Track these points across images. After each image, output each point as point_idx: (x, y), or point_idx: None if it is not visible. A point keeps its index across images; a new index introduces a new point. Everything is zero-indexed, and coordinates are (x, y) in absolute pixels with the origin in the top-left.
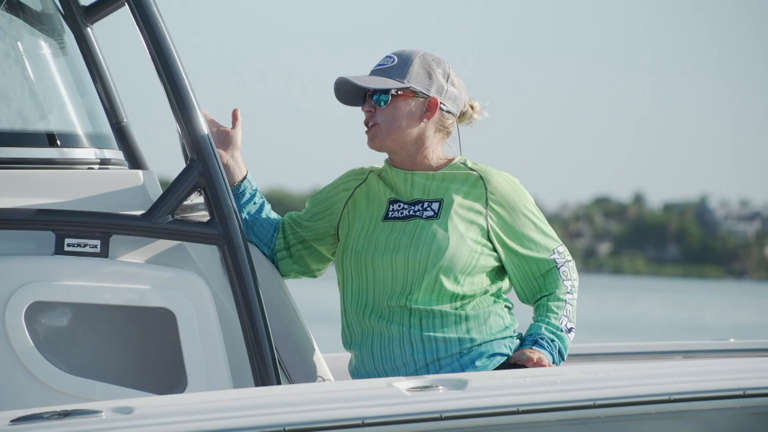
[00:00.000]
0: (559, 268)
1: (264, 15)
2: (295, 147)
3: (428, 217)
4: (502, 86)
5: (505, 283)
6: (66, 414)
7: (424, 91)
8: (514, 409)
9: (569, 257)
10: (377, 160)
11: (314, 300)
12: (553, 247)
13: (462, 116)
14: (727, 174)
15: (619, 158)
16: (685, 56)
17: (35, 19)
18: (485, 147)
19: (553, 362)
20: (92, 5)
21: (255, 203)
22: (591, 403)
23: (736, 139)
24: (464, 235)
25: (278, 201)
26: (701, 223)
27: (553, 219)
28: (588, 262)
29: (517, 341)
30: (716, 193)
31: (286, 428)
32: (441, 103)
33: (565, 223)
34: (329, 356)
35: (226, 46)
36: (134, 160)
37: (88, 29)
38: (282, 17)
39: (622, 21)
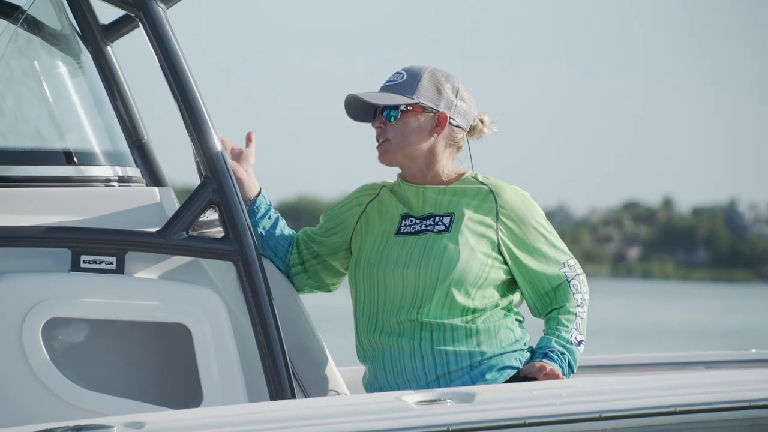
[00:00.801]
0: (569, 282)
1: (295, 20)
2: (325, 153)
3: (439, 231)
4: (527, 94)
5: (516, 297)
6: (78, 429)
7: (434, 107)
8: (522, 421)
9: (580, 270)
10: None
11: (335, 307)
12: (564, 260)
13: (472, 130)
14: (756, 177)
15: (648, 163)
16: (714, 60)
17: (52, 38)
18: (512, 155)
19: (563, 374)
20: (112, 24)
21: (269, 219)
22: (597, 415)
23: (765, 142)
24: (475, 249)
25: (308, 208)
26: (730, 227)
27: (582, 224)
28: (617, 266)
29: (528, 354)
30: (745, 197)
31: None
32: (450, 117)
33: (594, 228)
34: (346, 369)
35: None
36: (154, 177)
37: (108, 47)
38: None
39: (647, 23)
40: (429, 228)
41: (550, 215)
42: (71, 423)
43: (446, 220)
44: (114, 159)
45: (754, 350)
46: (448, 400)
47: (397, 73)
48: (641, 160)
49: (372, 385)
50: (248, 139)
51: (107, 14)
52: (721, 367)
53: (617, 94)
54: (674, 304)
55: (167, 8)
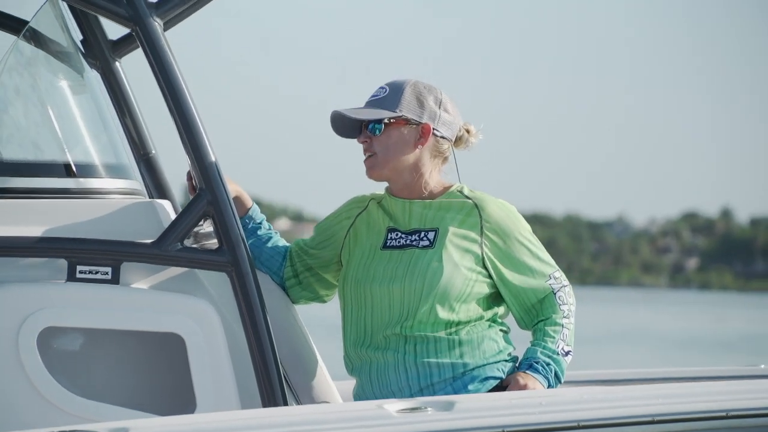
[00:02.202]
0: (555, 294)
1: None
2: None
3: (424, 247)
4: (589, 103)
5: (500, 309)
6: None
7: (416, 118)
8: (500, 430)
9: (566, 282)
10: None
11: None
12: (549, 272)
13: (458, 141)
14: None
15: (707, 173)
16: None
17: (56, 53)
18: (573, 167)
19: (549, 385)
20: (120, 39)
21: (262, 234)
22: (575, 424)
23: None
24: (459, 264)
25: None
26: None
27: (641, 235)
28: (675, 277)
29: (511, 365)
30: None
31: None
32: (434, 128)
33: (652, 239)
34: (342, 383)
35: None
36: (161, 191)
37: (117, 63)
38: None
39: (708, 24)
40: (414, 243)
41: (609, 226)
42: (56, 429)
43: (431, 235)
44: (114, 172)
45: (762, 366)
46: (429, 409)
47: (381, 88)
48: (700, 171)
49: (359, 396)
50: None
51: (117, 30)
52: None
53: (678, 106)
54: (732, 314)
55: (165, 27)
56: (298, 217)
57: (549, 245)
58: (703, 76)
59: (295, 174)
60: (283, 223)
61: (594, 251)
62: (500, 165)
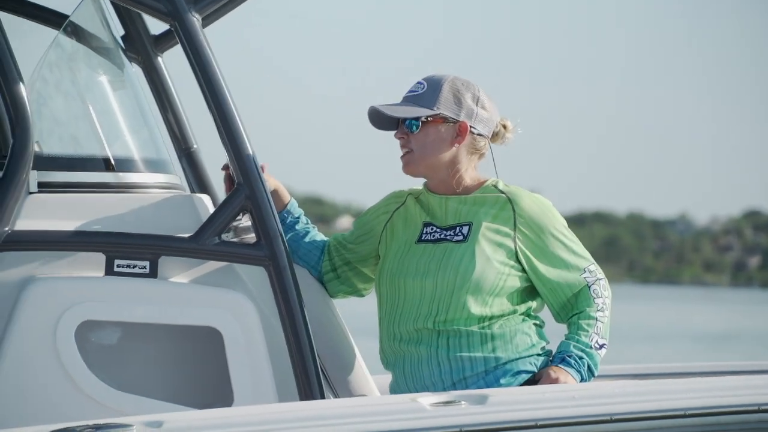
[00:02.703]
0: (590, 287)
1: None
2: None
3: (457, 241)
4: (649, 103)
5: (535, 302)
6: (98, 427)
7: (454, 117)
8: (533, 423)
9: (601, 275)
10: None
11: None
12: (584, 266)
13: (495, 136)
14: None
15: None
16: None
17: (96, 47)
18: (635, 166)
19: (582, 379)
20: (162, 35)
21: (300, 228)
22: (608, 417)
23: None
24: (491, 258)
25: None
26: None
27: (703, 233)
28: (737, 276)
29: (544, 359)
30: None
31: None
32: (471, 126)
33: (714, 237)
34: (380, 377)
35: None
36: (202, 185)
37: (159, 58)
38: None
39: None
40: (448, 238)
41: (672, 224)
42: (91, 422)
43: (465, 229)
44: (153, 166)
45: None
46: (463, 402)
47: (418, 83)
48: (763, 169)
49: (394, 390)
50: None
51: (159, 25)
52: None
53: (742, 105)
54: None
55: (204, 23)
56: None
57: (611, 243)
58: (755, 72)
59: (358, 172)
60: (346, 222)
61: (656, 249)
62: (566, 164)
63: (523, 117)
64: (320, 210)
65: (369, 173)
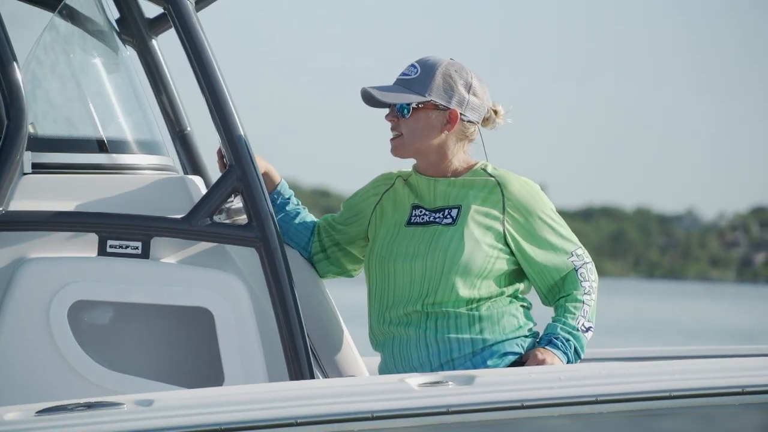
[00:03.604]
0: (577, 270)
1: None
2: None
3: (446, 224)
4: (656, 99)
5: (522, 285)
6: (89, 406)
7: (445, 104)
8: (519, 404)
9: (588, 259)
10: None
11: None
12: (572, 249)
13: (485, 121)
14: None
15: None
16: None
17: (91, 30)
18: (643, 160)
19: (568, 360)
20: (156, 18)
21: (290, 209)
22: (593, 398)
23: None
24: (480, 241)
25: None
26: None
27: (709, 228)
28: (743, 272)
29: (531, 340)
30: None
31: (298, 420)
32: (462, 114)
33: (721, 233)
34: (370, 359)
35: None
36: (196, 167)
37: (153, 41)
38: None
39: None
40: (437, 220)
41: (678, 220)
42: (82, 400)
43: (454, 212)
44: (146, 148)
45: None
46: (450, 383)
47: (412, 66)
48: None
49: (383, 371)
50: None
51: (154, 9)
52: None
53: (748, 101)
54: None
55: (198, 7)
56: None
57: (617, 238)
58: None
59: (365, 164)
60: None
61: (663, 245)
62: (574, 158)
63: (532, 111)
64: (327, 202)
65: (376, 165)
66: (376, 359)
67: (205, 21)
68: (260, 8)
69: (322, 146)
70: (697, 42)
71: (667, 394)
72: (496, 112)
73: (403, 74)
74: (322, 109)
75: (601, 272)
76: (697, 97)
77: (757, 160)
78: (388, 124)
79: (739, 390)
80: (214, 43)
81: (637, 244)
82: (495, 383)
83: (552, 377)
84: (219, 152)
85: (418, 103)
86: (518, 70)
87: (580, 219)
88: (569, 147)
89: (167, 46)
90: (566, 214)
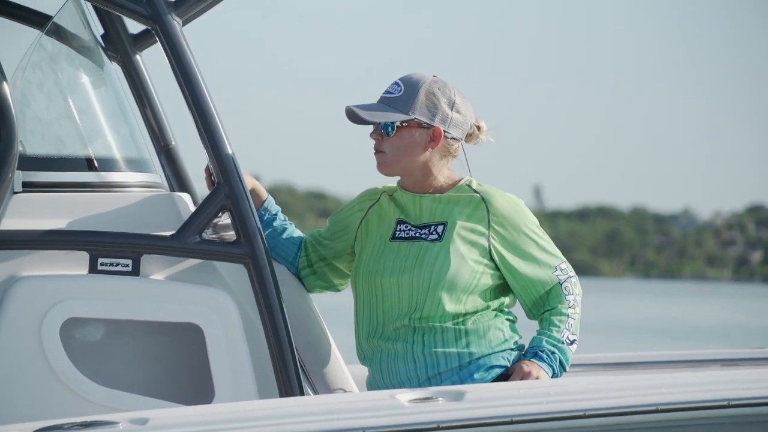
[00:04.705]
0: (561, 284)
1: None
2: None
3: (432, 240)
4: (651, 97)
5: (507, 298)
6: (85, 425)
7: (429, 122)
8: (508, 419)
9: (572, 273)
10: None
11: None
12: (555, 264)
13: (469, 137)
14: None
15: None
16: None
17: (78, 47)
18: (640, 161)
19: (554, 373)
20: (140, 33)
21: (277, 225)
22: (582, 413)
23: None
24: (465, 257)
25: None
26: None
27: (705, 228)
28: (740, 270)
29: (517, 353)
30: None
31: None
32: (445, 131)
33: (717, 232)
34: (357, 367)
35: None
36: (181, 182)
37: (137, 56)
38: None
39: None
40: (423, 236)
41: (675, 219)
42: (78, 419)
43: (439, 228)
44: (134, 165)
45: (767, 349)
46: (440, 398)
47: (395, 84)
48: (766, 165)
49: (371, 386)
50: None
51: (137, 24)
52: (737, 365)
53: (743, 99)
54: None
55: (183, 23)
56: None
57: (613, 238)
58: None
59: (361, 166)
60: None
61: (659, 244)
62: (569, 158)
63: (528, 111)
64: (323, 204)
65: (372, 169)
66: (363, 370)
67: (202, 24)
68: (257, 10)
69: (318, 149)
70: (692, 41)
71: (653, 408)
72: (479, 127)
73: (387, 92)
74: (318, 112)
75: (597, 272)
76: (692, 96)
77: (753, 158)
78: None
79: (725, 403)
80: (209, 46)
81: (634, 243)
82: (485, 399)
83: (541, 392)
84: (207, 169)
85: (402, 122)
86: (515, 70)
87: (576, 219)
88: (565, 147)
89: (150, 60)
90: (562, 215)
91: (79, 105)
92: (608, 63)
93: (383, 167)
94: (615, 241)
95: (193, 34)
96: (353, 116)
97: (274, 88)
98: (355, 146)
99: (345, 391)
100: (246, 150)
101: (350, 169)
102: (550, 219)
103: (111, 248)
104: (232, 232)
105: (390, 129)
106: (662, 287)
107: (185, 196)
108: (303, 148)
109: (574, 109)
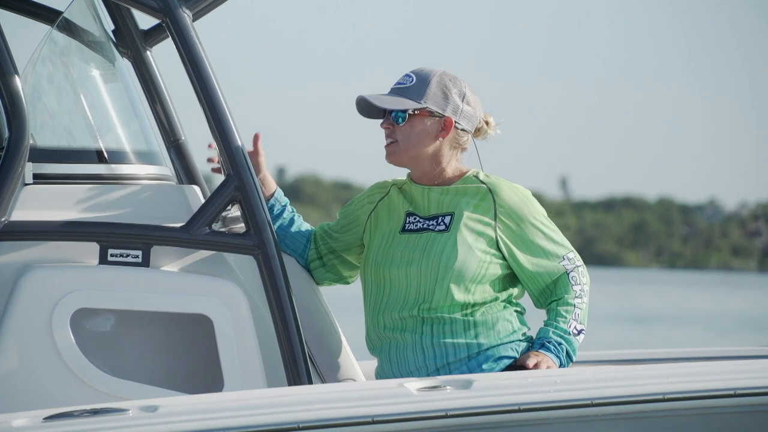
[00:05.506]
0: (568, 274)
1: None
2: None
3: (440, 231)
4: (678, 89)
5: (516, 289)
6: (95, 412)
7: (440, 111)
8: (516, 407)
9: (579, 262)
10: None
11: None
12: (563, 253)
13: (477, 132)
14: None
15: None
16: None
17: (89, 42)
18: (666, 152)
19: (561, 364)
20: (151, 29)
21: (286, 217)
22: (589, 402)
23: None
24: (473, 247)
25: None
26: None
27: (731, 218)
28: (765, 261)
29: (525, 344)
30: None
31: (300, 425)
32: (456, 122)
33: (743, 223)
34: (365, 363)
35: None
36: (190, 176)
37: (148, 52)
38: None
39: None
40: (431, 227)
41: (700, 210)
42: (88, 407)
43: (447, 219)
44: (144, 158)
45: None
46: (448, 387)
47: (407, 75)
48: None
49: (380, 376)
50: (255, 140)
51: (148, 20)
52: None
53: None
54: None
55: (194, 18)
56: None
57: (639, 228)
58: None
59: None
60: None
61: (685, 235)
62: (596, 149)
63: (554, 103)
64: (349, 195)
65: None
66: (372, 363)
67: (228, 12)
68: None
69: (344, 139)
70: (721, 31)
71: (660, 396)
72: (487, 123)
73: (399, 83)
74: (344, 103)
75: (623, 263)
76: (720, 86)
77: None
78: None
79: (732, 392)
80: (235, 39)
81: (659, 234)
82: (492, 387)
83: (548, 381)
84: (210, 161)
85: (413, 110)
86: (539, 63)
87: (602, 209)
88: (592, 137)
89: (161, 55)
90: (588, 205)
91: (90, 98)
92: (636, 53)
93: (393, 156)
94: (641, 232)
95: (227, 30)
96: (363, 107)
97: (301, 80)
98: (381, 137)
99: (354, 381)
100: (273, 141)
101: (376, 159)
102: (576, 209)
103: (121, 239)
104: (242, 225)
105: (401, 118)
106: (688, 278)
107: (195, 188)
108: (329, 138)
109: (601, 100)
